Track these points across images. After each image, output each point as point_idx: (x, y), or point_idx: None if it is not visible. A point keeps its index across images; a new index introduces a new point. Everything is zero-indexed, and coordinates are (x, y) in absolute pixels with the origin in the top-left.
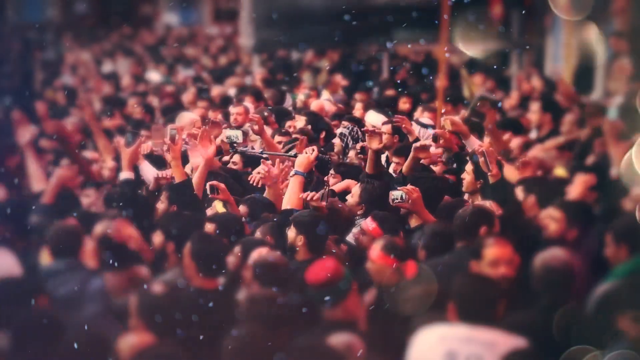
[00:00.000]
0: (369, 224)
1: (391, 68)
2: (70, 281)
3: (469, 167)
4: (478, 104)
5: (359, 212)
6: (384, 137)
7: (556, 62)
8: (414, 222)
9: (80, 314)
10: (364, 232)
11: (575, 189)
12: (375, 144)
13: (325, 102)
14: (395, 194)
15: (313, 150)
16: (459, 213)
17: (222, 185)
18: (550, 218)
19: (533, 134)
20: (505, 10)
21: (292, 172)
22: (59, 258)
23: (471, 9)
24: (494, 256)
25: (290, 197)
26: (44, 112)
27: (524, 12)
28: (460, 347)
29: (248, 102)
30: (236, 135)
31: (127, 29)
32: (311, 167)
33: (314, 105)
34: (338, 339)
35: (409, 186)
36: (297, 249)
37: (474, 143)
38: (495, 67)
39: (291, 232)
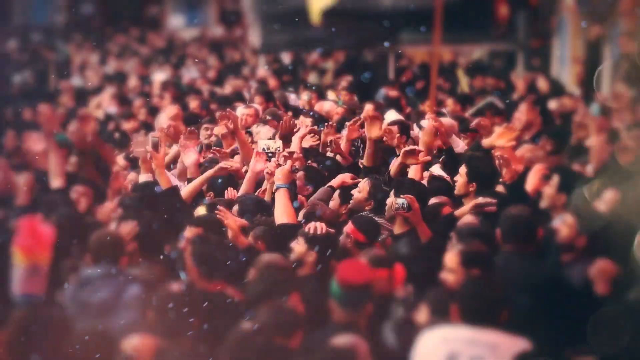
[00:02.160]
0: (349, 226)
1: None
2: (107, 287)
3: (462, 169)
4: (485, 107)
5: (367, 208)
6: (395, 137)
7: (562, 63)
8: (397, 229)
9: (114, 320)
10: (348, 235)
11: (530, 180)
12: (375, 132)
13: (331, 103)
14: (399, 202)
15: (286, 161)
16: (514, 215)
17: None
18: (563, 223)
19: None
20: (511, 11)
21: (274, 188)
22: (99, 264)
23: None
24: None
25: (284, 210)
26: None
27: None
28: (462, 349)
29: (257, 103)
30: (273, 144)
31: (134, 30)
32: (291, 178)
33: (320, 106)
34: (342, 340)
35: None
36: (303, 263)
37: (458, 143)
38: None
39: (300, 247)
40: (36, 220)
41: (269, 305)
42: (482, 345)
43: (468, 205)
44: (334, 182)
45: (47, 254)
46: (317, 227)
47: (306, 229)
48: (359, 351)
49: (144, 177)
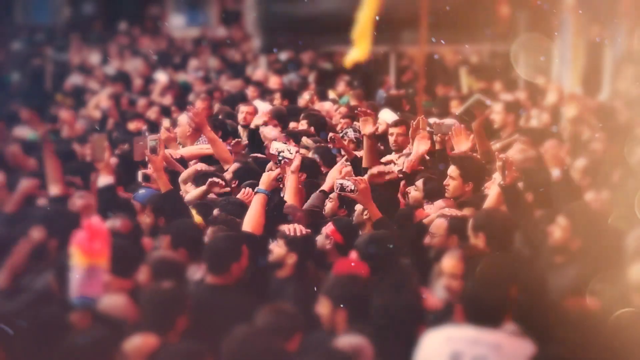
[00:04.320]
0: (329, 227)
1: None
2: None
3: (454, 172)
4: (473, 105)
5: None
6: (399, 138)
7: (563, 63)
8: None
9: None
10: (327, 237)
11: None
12: (368, 129)
13: (330, 103)
14: (339, 183)
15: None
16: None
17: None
18: (556, 225)
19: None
20: (511, 10)
21: (255, 190)
22: None
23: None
24: None
25: (253, 218)
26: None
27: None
28: (466, 348)
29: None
30: (288, 149)
31: (136, 30)
32: (274, 186)
33: (319, 106)
34: (347, 341)
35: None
36: (283, 265)
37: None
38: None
39: (279, 249)
40: (97, 220)
41: (268, 308)
42: (485, 345)
43: (435, 213)
44: (326, 185)
45: (106, 256)
46: (296, 229)
47: (286, 231)
48: (363, 353)
49: (104, 181)
